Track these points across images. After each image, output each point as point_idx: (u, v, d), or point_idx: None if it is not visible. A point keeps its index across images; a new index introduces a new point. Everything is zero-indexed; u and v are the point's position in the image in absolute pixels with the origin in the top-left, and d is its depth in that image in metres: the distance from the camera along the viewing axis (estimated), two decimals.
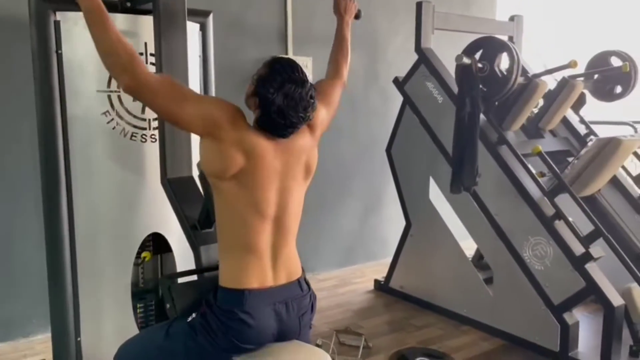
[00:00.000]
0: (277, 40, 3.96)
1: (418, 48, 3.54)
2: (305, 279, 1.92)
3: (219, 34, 3.59)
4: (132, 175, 2.67)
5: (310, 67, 4.06)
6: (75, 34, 2.52)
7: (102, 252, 2.70)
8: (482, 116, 3.21)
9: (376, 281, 4.09)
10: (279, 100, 1.66)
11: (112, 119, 2.45)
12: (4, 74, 2.98)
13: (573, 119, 3.77)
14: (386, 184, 3.85)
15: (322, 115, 1.92)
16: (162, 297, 1.95)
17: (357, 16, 2.36)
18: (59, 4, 2.55)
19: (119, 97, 2.59)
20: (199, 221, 2.23)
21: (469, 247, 3.59)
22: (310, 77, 3.97)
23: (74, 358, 2.78)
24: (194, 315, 1.81)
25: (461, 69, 2.95)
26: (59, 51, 2.55)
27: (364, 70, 4.45)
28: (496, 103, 3.25)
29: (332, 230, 4.47)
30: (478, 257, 3.66)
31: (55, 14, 2.55)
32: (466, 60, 2.89)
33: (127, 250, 2.70)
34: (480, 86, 3.01)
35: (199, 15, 2.94)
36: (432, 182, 3.59)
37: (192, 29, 2.90)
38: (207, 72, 3.06)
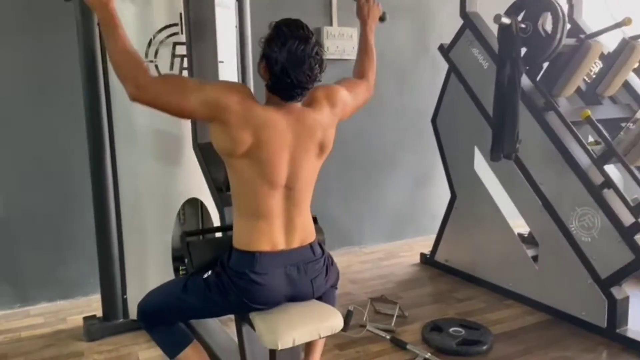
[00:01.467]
0: (321, 11, 3.94)
1: (463, 12, 3.41)
2: (319, 244, 1.94)
3: (260, 7, 3.65)
4: (172, 142, 2.79)
5: (355, 38, 4.02)
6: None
7: (144, 213, 2.85)
8: (528, 80, 3.05)
9: (422, 255, 4.03)
10: (282, 57, 1.66)
11: None
12: (50, 46, 3.16)
13: (636, 83, 3.50)
14: (437, 157, 3.76)
15: (346, 97, 1.92)
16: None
17: (381, 19, 2.30)
18: None
19: (156, 66, 2.70)
20: (224, 184, 2.30)
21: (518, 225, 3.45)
22: (355, 51, 3.94)
23: (121, 314, 2.97)
24: (209, 272, 1.88)
25: (501, 29, 2.81)
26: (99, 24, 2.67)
27: (413, 40, 4.34)
28: (543, 66, 3.08)
29: (378, 204, 4.44)
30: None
31: None
32: (505, 20, 2.75)
33: (168, 212, 2.83)
34: (524, 48, 2.85)
35: None
36: (477, 152, 3.47)
37: (230, 1, 2.95)
38: (244, 43, 3.12)
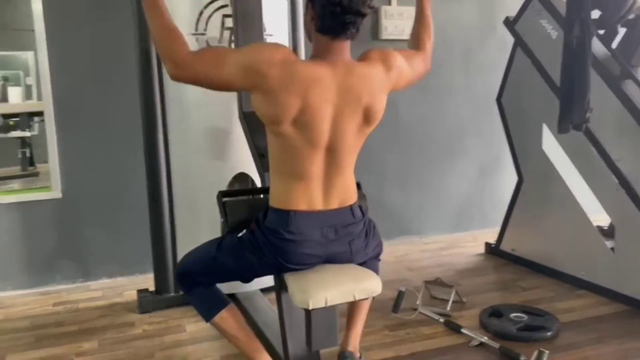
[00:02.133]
0: None
1: None
2: (360, 207, 1.84)
3: None
4: (221, 118, 2.79)
5: None
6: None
7: (195, 189, 2.86)
8: (602, 46, 2.79)
9: (487, 244, 3.79)
10: None
11: None
12: (109, 35, 3.26)
13: None
14: (506, 144, 3.52)
15: (403, 63, 1.80)
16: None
17: None
18: None
19: (207, 41, 2.71)
20: (266, 150, 2.24)
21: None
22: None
23: (172, 288, 2.99)
24: (244, 231, 1.82)
25: None
26: None
27: (479, 19, 4.12)
28: (619, 32, 2.80)
29: (440, 192, 4.23)
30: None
31: None
32: None
33: (218, 188, 2.82)
34: (596, 11, 2.61)
35: None
36: (545, 130, 3.21)
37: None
38: (295, 16, 3.07)
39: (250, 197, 2.16)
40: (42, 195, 3.31)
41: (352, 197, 1.81)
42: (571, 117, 2.57)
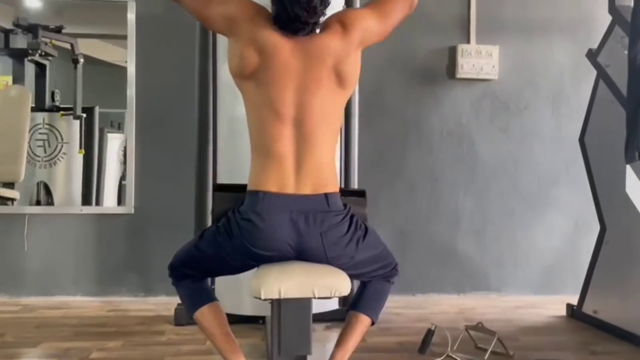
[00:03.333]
0: (457, 27, 3.73)
1: (612, 7, 2.89)
2: (346, 205, 1.73)
3: None
4: None
5: (495, 56, 3.70)
6: None
7: None
8: None
9: (568, 305, 3.28)
10: None
11: None
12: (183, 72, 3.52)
13: None
14: None
15: (365, 20, 1.76)
16: None
17: None
18: None
19: None
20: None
21: None
22: (496, 70, 3.63)
23: None
24: (223, 219, 1.81)
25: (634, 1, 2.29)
26: None
27: (573, 61, 3.79)
28: None
29: (524, 247, 3.82)
30: None
31: None
32: None
33: None
34: None
35: None
36: (629, 171, 2.78)
37: (337, 3, 3.01)
38: None
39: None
40: (117, 210, 3.60)
41: (329, 184, 1.70)
42: (637, 143, 2.21)
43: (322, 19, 1.70)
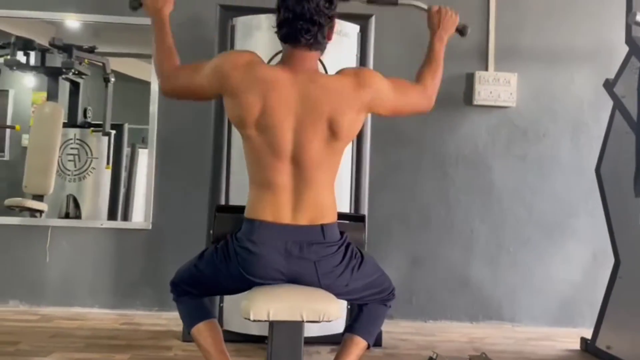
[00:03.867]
0: (475, 54, 3.74)
1: (629, 38, 2.87)
2: (342, 233, 1.77)
3: (404, 48, 3.67)
4: None
5: (514, 83, 3.68)
6: (245, 35, 3.01)
7: None
8: None
9: (582, 339, 3.21)
10: None
11: None
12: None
13: None
14: None
15: (383, 86, 1.77)
16: None
17: (461, 32, 2.06)
18: (236, 12, 3.09)
19: None
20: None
21: None
22: (514, 97, 3.59)
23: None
24: (222, 241, 1.86)
25: None
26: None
27: (592, 89, 3.74)
28: None
29: (540, 277, 3.74)
30: None
31: (232, 19, 3.08)
32: None
33: None
34: None
35: (360, 18, 3.11)
36: None
37: (352, 29, 3.08)
38: None
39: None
40: (135, 225, 3.70)
41: (325, 216, 1.74)
42: None
43: (327, 24, 1.69)
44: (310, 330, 2.65)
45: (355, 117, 1.70)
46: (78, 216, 4.37)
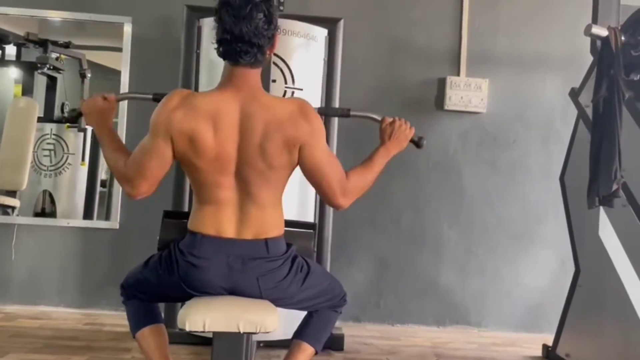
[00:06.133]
0: (448, 60, 3.73)
1: (593, 48, 2.86)
2: (288, 245, 1.76)
3: (372, 52, 3.67)
4: None
5: (485, 89, 3.69)
6: (211, 36, 2.98)
7: None
8: None
9: (544, 346, 3.22)
10: (222, 11, 1.63)
11: None
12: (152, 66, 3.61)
13: None
14: None
15: (319, 134, 1.70)
16: None
17: (417, 144, 1.97)
18: (203, 13, 3.06)
19: None
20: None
21: None
22: (485, 103, 3.57)
23: (176, 325, 3.03)
24: (165, 250, 1.85)
25: (600, 43, 2.27)
26: (198, 51, 3.03)
27: (563, 97, 3.71)
28: None
29: (508, 283, 3.76)
30: None
31: (199, 20, 3.05)
32: (598, 31, 2.22)
33: None
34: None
35: (328, 22, 3.09)
36: (602, 214, 2.74)
37: (320, 33, 3.06)
38: (332, 75, 3.15)
39: None
40: (103, 224, 3.68)
41: (270, 231, 1.73)
42: (598, 189, 2.18)
43: (267, 46, 1.67)
44: (272, 335, 2.67)
45: (281, 146, 1.63)
46: (54, 212, 4.34)
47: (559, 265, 3.75)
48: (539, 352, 3.25)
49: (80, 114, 1.91)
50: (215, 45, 1.67)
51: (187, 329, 1.60)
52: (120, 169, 1.72)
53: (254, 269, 1.69)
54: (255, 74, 1.69)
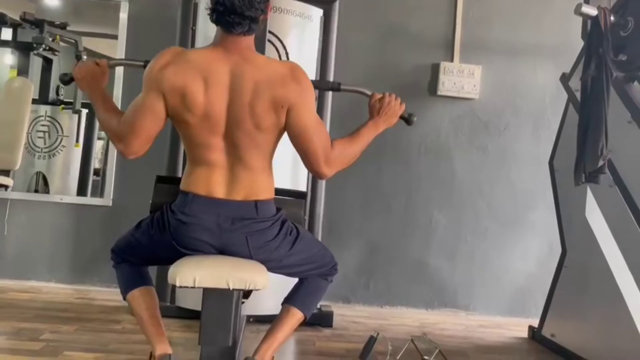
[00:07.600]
0: (442, 46, 3.77)
1: (584, 33, 2.90)
2: (278, 209, 1.79)
3: (368, 34, 3.70)
4: None
5: (478, 76, 3.73)
6: (207, 15, 3.01)
7: None
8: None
9: (530, 328, 3.27)
10: None
11: None
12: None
13: None
14: None
15: (309, 99, 1.71)
16: None
17: (407, 121, 1.96)
18: None
19: None
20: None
21: None
22: (477, 89, 3.59)
23: (168, 298, 3.08)
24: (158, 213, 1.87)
25: (590, 23, 2.31)
26: (194, 27, 3.05)
27: (554, 84, 3.77)
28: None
29: (496, 268, 3.80)
30: None
31: None
32: (588, 10, 2.26)
33: None
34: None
35: (324, 2, 3.11)
36: (590, 195, 2.78)
37: (315, 13, 3.08)
38: (326, 56, 3.18)
39: None
40: (96, 201, 3.69)
41: (260, 194, 1.75)
42: (584, 166, 2.22)
43: (260, 16, 1.68)
44: (262, 309, 2.69)
45: (270, 106, 1.65)
46: (46, 193, 4.35)
47: (548, 251, 3.80)
48: (525, 334, 3.30)
49: (72, 79, 1.92)
50: (208, 12, 1.69)
51: (178, 284, 1.62)
52: (113, 127, 1.75)
53: (242, 228, 1.71)
54: (248, 39, 1.71)
